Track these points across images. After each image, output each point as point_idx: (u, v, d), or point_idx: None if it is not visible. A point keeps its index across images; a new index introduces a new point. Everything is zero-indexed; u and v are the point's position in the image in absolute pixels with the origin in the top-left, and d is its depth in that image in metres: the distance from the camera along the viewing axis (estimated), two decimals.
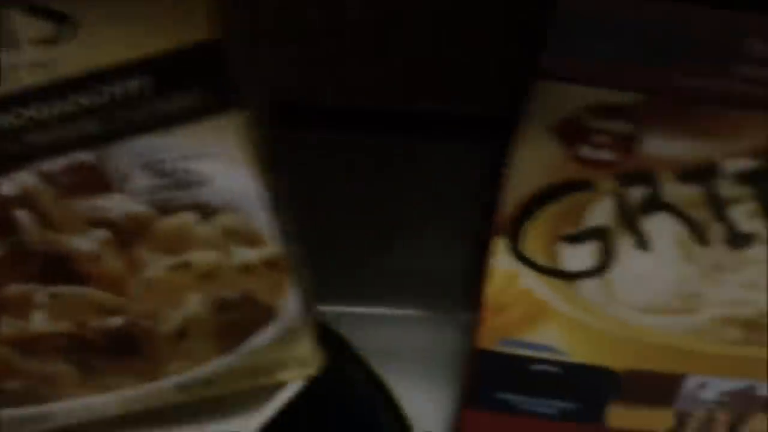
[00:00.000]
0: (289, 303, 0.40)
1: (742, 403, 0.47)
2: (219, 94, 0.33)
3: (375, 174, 0.48)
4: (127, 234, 0.36)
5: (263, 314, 0.40)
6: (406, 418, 0.51)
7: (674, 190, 0.42)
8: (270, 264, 0.39)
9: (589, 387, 0.46)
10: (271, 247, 0.38)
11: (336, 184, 0.47)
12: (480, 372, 0.46)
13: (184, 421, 0.42)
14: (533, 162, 0.41)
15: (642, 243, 0.43)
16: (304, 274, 0.44)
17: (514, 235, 0.43)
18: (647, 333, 0.45)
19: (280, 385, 0.43)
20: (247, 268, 0.38)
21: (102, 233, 0.36)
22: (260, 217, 0.36)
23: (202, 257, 0.37)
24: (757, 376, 0.46)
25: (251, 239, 0.37)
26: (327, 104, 0.45)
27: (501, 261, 0.43)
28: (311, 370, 0.43)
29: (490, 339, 0.45)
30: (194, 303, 0.38)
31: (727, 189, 0.42)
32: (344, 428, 0.50)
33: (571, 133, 0.41)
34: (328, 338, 0.52)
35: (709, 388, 0.46)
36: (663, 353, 0.45)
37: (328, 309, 0.50)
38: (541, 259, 0.43)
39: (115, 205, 0.36)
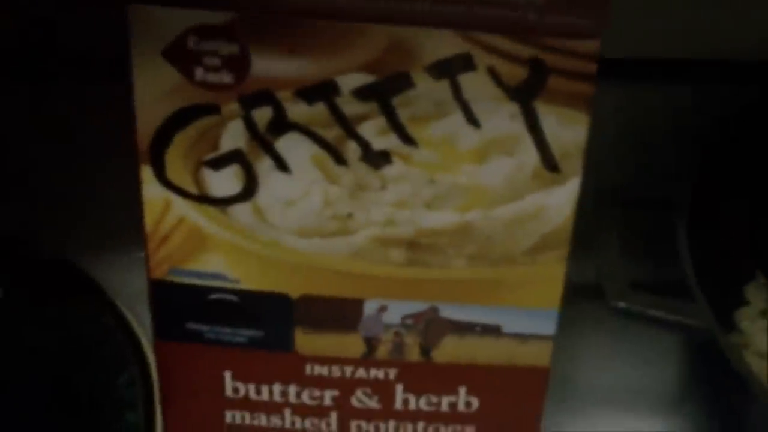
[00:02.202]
0: None
1: (428, 326, 0.46)
2: None
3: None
4: None
5: None
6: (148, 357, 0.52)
7: (297, 110, 0.41)
8: None
9: (267, 314, 0.46)
10: None
11: None
12: (159, 304, 0.46)
13: None
14: (155, 89, 0.41)
15: (280, 164, 0.42)
16: None
17: (157, 164, 0.43)
18: (309, 257, 0.44)
19: None
20: None
21: None
22: None
23: None
24: (431, 297, 0.45)
25: None
26: None
27: (151, 190, 0.43)
28: None
29: (159, 270, 0.45)
30: None
31: (350, 106, 0.41)
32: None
33: (181, 57, 0.40)
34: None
35: (390, 311, 0.45)
36: (330, 277, 0.45)
37: None
38: (189, 186, 0.43)
39: None
